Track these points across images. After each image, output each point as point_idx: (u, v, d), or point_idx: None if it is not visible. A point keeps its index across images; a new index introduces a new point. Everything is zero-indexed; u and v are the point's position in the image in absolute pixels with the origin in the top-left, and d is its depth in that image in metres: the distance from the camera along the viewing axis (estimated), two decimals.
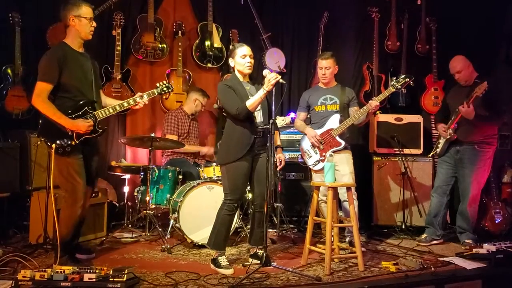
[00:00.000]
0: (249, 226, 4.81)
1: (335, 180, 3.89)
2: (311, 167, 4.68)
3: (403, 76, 4.40)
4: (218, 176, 4.72)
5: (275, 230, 5.06)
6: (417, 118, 5.73)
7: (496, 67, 6.12)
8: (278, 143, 4.06)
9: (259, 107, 3.82)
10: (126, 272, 3.05)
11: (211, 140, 6.31)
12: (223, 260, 3.70)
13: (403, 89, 4.34)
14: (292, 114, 6.00)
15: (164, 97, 5.90)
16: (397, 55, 6.35)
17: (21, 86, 5.19)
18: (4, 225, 4.74)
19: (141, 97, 3.90)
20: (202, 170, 4.85)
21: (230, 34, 6.30)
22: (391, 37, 6.34)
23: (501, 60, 6.25)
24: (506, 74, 6.07)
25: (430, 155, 5.07)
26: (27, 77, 5.20)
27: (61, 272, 3.02)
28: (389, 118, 5.75)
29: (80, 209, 3.66)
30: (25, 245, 4.33)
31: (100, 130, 3.72)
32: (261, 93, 3.65)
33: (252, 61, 3.87)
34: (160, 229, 4.58)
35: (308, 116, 4.83)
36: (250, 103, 3.66)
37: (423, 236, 4.85)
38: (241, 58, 3.82)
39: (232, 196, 3.76)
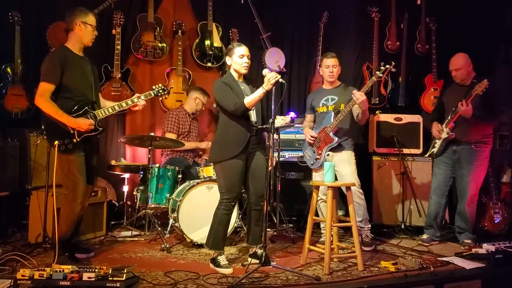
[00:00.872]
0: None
1: (335, 179, 3.90)
2: (309, 166, 4.72)
3: (383, 65, 4.37)
4: None
5: (274, 230, 5.06)
6: (416, 118, 5.72)
7: (495, 67, 6.12)
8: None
9: (253, 107, 3.82)
10: (125, 271, 3.04)
11: (210, 139, 6.31)
12: (222, 260, 3.70)
13: (386, 77, 4.34)
14: (291, 114, 5.99)
15: (164, 96, 5.89)
16: (397, 55, 6.34)
17: (21, 85, 5.19)
18: (4, 224, 4.74)
19: (139, 98, 4.01)
20: (202, 170, 4.85)
21: (230, 34, 6.30)
22: (391, 37, 6.34)
23: (500, 60, 6.25)
24: (505, 74, 6.08)
25: (426, 155, 5.02)
26: (27, 76, 5.21)
27: (60, 271, 3.02)
28: (389, 118, 5.75)
29: (79, 206, 3.74)
30: (24, 244, 4.33)
31: (100, 129, 3.84)
32: (260, 91, 3.64)
33: (249, 61, 3.87)
34: (159, 229, 4.58)
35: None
36: (248, 100, 3.65)
37: (424, 236, 4.84)
38: (239, 58, 3.81)
39: (228, 195, 3.75)
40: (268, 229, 4.63)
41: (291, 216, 5.46)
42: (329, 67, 4.65)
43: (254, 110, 3.84)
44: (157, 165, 4.93)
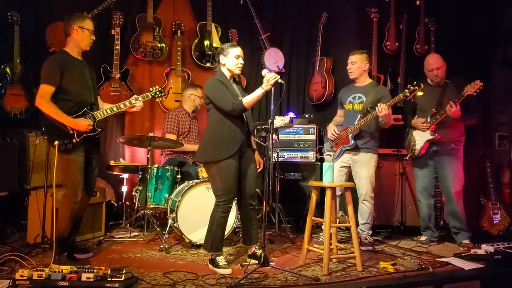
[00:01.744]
0: None
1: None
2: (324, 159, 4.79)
3: (415, 84, 4.28)
4: None
5: (273, 230, 5.06)
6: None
7: (494, 68, 6.12)
8: (254, 147, 4.10)
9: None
10: (124, 271, 3.04)
11: None
12: (221, 260, 3.70)
13: (411, 97, 4.34)
14: (290, 114, 6.00)
15: (162, 98, 5.89)
16: (396, 55, 6.34)
17: (20, 85, 5.19)
18: (2, 224, 4.74)
19: (136, 99, 4.06)
20: (201, 170, 4.84)
21: (229, 34, 6.31)
22: (390, 38, 6.34)
23: (499, 61, 6.25)
24: (504, 74, 6.08)
25: (407, 158, 4.98)
26: (26, 76, 5.20)
27: (59, 271, 3.02)
28: None
29: (78, 204, 3.80)
30: (23, 245, 4.32)
31: (99, 129, 3.89)
32: (260, 92, 3.63)
33: (243, 62, 3.87)
34: (158, 229, 4.58)
35: None
36: (247, 100, 3.64)
37: (423, 238, 4.84)
38: (235, 58, 3.79)
39: (226, 197, 3.72)
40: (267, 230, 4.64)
41: (290, 216, 5.46)
42: (348, 64, 4.71)
43: (246, 114, 3.82)
44: (156, 165, 4.92)
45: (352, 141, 4.55)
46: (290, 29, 6.71)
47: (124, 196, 5.38)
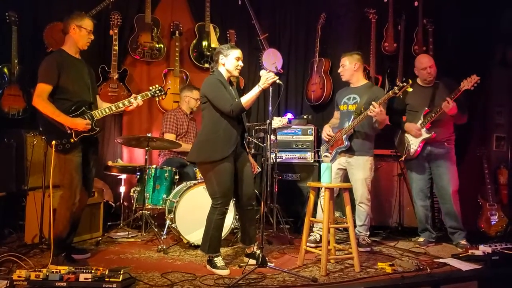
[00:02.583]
0: None
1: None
2: (321, 162, 4.78)
3: (403, 80, 4.28)
4: None
5: (271, 231, 5.06)
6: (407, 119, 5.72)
7: (492, 69, 6.13)
8: (248, 150, 4.10)
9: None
10: (122, 272, 3.04)
11: None
12: (219, 261, 3.69)
13: (399, 93, 4.31)
14: (289, 115, 6.00)
15: (161, 98, 5.89)
16: (394, 56, 6.34)
17: (17, 86, 5.18)
18: (0, 225, 4.72)
19: (135, 98, 4.04)
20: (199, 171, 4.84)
21: (228, 35, 6.30)
22: (388, 39, 6.34)
23: (497, 62, 6.26)
24: (502, 75, 6.09)
25: (402, 159, 4.91)
26: (24, 76, 5.20)
27: (56, 272, 3.02)
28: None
29: (76, 205, 3.78)
30: (20, 245, 4.31)
31: (97, 129, 3.87)
32: (257, 90, 3.63)
33: (242, 65, 3.87)
34: (156, 230, 4.58)
35: None
36: (245, 100, 3.62)
37: (421, 239, 4.84)
38: (235, 60, 3.78)
39: (223, 199, 3.70)
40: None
41: (288, 217, 5.46)
42: (340, 67, 4.73)
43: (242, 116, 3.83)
44: (154, 166, 4.92)
45: (346, 142, 4.52)
46: (289, 30, 6.71)
47: (122, 197, 5.37)
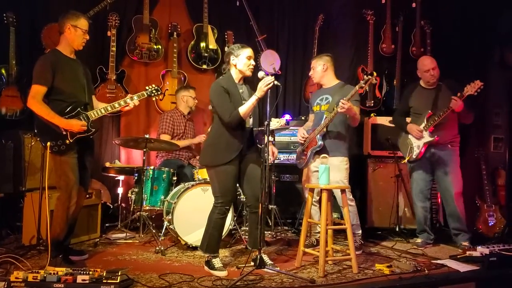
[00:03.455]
0: (243, 228, 4.83)
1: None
2: (297, 165, 4.77)
3: (368, 74, 4.23)
4: None
5: (269, 232, 5.06)
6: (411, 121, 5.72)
7: (490, 70, 6.14)
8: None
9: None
10: (119, 273, 3.04)
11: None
12: (217, 262, 3.69)
13: (366, 87, 4.29)
14: (287, 116, 6.00)
15: (159, 98, 5.90)
16: (391, 58, 6.36)
17: (15, 87, 5.18)
18: None
19: (131, 98, 4.01)
20: (197, 172, 4.84)
21: (226, 36, 6.31)
22: (386, 40, 6.35)
23: (495, 63, 6.28)
24: (500, 76, 6.10)
25: (405, 161, 4.91)
26: (21, 78, 5.19)
27: (54, 273, 3.01)
28: (384, 120, 5.76)
29: (73, 207, 3.78)
30: (18, 246, 4.30)
31: (93, 130, 3.84)
32: (253, 99, 3.63)
33: (254, 63, 3.85)
34: (154, 231, 4.58)
35: None
36: (243, 110, 3.62)
37: (418, 240, 4.84)
38: (247, 59, 3.76)
39: (223, 199, 3.72)
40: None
41: (286, 218, 5.46)
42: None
43: (252, 114, 3.81)
44: (152, 167, 4.91)
45: (320, 142, 4.45)
46: (287, 31, 6.71)
47: (119, 198, 5.36)
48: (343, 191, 3.94)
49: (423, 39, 6.30)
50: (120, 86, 5.70)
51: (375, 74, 4.20)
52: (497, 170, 5.89)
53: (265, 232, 4.85)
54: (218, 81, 3.84)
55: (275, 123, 5.58)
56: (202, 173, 4.80)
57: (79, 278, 2.99)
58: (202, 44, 6.15)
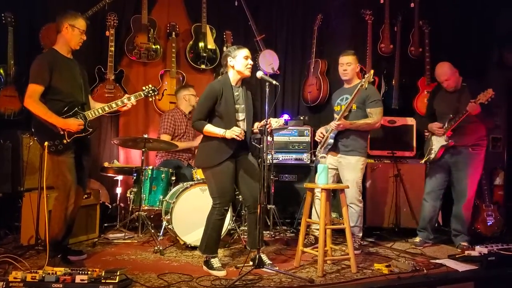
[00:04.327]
0: (242, 228, 4.83)
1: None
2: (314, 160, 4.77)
3: (365, 76, 4.28)
4: None
5: (268, 232, 5.06)
6: (410, 121, 5.73)
7: (488, 70, 6.15)
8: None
9: (243, 117, 3.80)
10: (118, 273, 3.04)
11: None
12: (215, 262, 3.69)
13: (365, 86, 4.29)
14: (285, 116, 5.99)
15: (158, 98, 5.89)
16: (390, 57, 6.36)
17: (14, 86, 5.16)
18: None
19: (129, 98, 4.01)
20: (195, 172, 4.84)
21: (224, 36, 6.30)
22: (384, 40, 6.35)
23: (493, 63, 6.28)
24: (498, 76, 6.10)
25: (422, 162, 4.97)
26: (20, 78, 5.17)
27: (52, 273, 3.01)
28: (383, 120, 5.74)
29: (71, 207, 3.77)
30: (16, 246, 4.30)
31: (91, 130, 3.84)
32: (221, 133, 3.64)
33: (252, 63, 3.84)
34: (152, 231, 4.57)
35: None
36: (207, 129, 3.69)
37: (417, 239, 4.84)
38: (244, 59, 3.75)
39: (221, 200, 3.71)
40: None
41: (284, 218, 5.46)
42: (343, 65, 4.63)
43: (245, 120, 3.82)
44: (151, 167, 4.91)
45: (331, 141, 4.49)
46: (285, 31, 6.71)
47: (118, 198, 5.36)
48: (342, 190, 3.94)
49: (421, 39, 6.30)
50: (119, 86, 5.69)
51: (372, 71, 4.24)
52: (496, 170, 5.90)
53: (264, 232, 4.87)
54: (212, 84, 3.83)
55: (273, 123, 5.57)
56: (200, 173, 4.79)
57: (78, 278, 2.99)
58: (201, 44, 6.15)
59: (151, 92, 4.14)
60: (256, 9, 6.50)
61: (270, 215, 5.09)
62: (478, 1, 6.18)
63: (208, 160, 3.76)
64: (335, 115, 4.83)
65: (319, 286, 3.39)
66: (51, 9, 5.45)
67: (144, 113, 6.09)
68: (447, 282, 3.60)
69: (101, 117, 3.95)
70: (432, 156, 4.76)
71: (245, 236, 4.33)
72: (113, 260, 4.03)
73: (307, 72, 6.47)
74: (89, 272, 3.03)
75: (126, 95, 4.05)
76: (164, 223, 4.57)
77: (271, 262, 3.78)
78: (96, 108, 3.89)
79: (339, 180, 4.63)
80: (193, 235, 4.38)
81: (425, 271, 3.68)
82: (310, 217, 4.21)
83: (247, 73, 3.80)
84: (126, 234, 4.87)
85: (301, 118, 6.04)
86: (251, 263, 3.69)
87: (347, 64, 4.62)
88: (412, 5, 6.30)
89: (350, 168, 4.48)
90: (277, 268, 3.68)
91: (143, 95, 4.10)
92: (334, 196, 4.94)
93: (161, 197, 4.77)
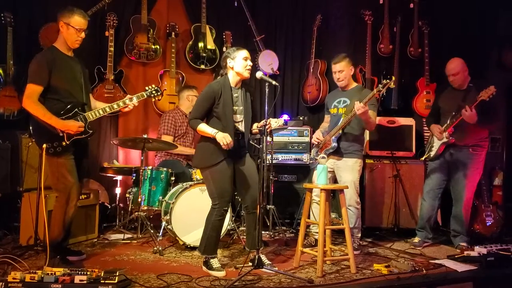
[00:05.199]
0: (241, 228, 4.82)
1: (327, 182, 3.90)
2: (310, 165, 4.76)
3: (388, 77, 4.22)
4: None
5: (267, 232, 5.06)
6: (409, 121, 5.74)
7: (488, 71, 6.15)
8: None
9: (241, 118, 3.80)
10: (117, 274, 3.04)
11: None
12: (215, 263, 3.69)
13: (383, 91, 4.27)
14: (285, 116, 6.00)
15: (157, 98, 5.88)
16: (389, 58, 6.36)
17: (13, 87, 5.16)
18: None
19: (131, 99, 3.94)
20: (195, 172, 4.83)
21: (224, 36, 6.30)
22: (383, 40, 6.35)
23: (493, 64, 6.28)
24: (498, 77, 6.10)
25: (422, 159, 5.00)
26: (19, 78, 5.16)
27: (51, 274, 3.01)
28: (382, 120, 5.75)
29: (73, 209, 3.74)
30: (15, 247, 4.29)
31: (91, 131, 3.77)
32: (212, 133, 3.63)
33: (252, 64, 3.84)
34: (152, 231, 4.57)
35: None
36: (201, 128, 3.70)
37: (416, 239, 4.84)
38: (243, 60, 3.75)
39: (220, 200, 3.71)
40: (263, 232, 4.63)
41: (284, 218, 5.46)
42: (335, 73, 4.61)
43: (243, 121, 3.81)
44: (150, 167, 4.90)
45: (334, 144, 4.48)
46: (285, 31, 6.71)
47: (117, 198, 5.35)
48: (341, 191, 3.94)
49: (421, 39, 6.31)
50: (118, 86, 5.69)
51: (393, 78, 4.19)
52: (494, 170, 5.90)
53: (263, 232, 4.87)
54: (211, 84, 3.82)
55: (273, 123, 5.57)
56: (200, 173, 4.80)
57: (77, 279, 2.98)
58: (200, 44, 6.14)
59: (154, 92, 4.08)
60: (256, 9, 6.50)
61: (269, 215, 5.09)
62: (478, 2, 6.18)
63: (205, 160, 3.76)
64: (326, 116, 4.84)
65: (319, 286, 3.39)
66: (50, 9, 5.44)
67: (143, 113, 6.08)
68: (446, 283, 3.60)
69: (100, 117, 3.86)
70: (433, 153, 4.77)
71: (245, 237, 4.33)
72: (112, 260, 4.03)
73: (307, 72, 6.47)
74: (88, 273, 3.03)
75: (128, 96, 3.98)
76: (164, 224, 4.57)
77: (270, 263, 3.79)
78: (97, 109, 3.80)
79: (335, 182, 4.63)
80: (192, 235, 4.38)
81: (424, 271, 3.68)
82: (309, 217, 4.22)
83: (246, 74, 3.79)
84: (125, 234, 4.86)
85: (301, 118, 6.04)
86: (250, 263, 3.68)
87: (339, 72, 4.59)
88: (411, 5, 6.31)
89: (348, 169, 4.49)
90: (276, 268, 3.68)
91: (145, 96, 4.03)
92: (333, 197, 4.94)
93: (161, 197, 4.77)
